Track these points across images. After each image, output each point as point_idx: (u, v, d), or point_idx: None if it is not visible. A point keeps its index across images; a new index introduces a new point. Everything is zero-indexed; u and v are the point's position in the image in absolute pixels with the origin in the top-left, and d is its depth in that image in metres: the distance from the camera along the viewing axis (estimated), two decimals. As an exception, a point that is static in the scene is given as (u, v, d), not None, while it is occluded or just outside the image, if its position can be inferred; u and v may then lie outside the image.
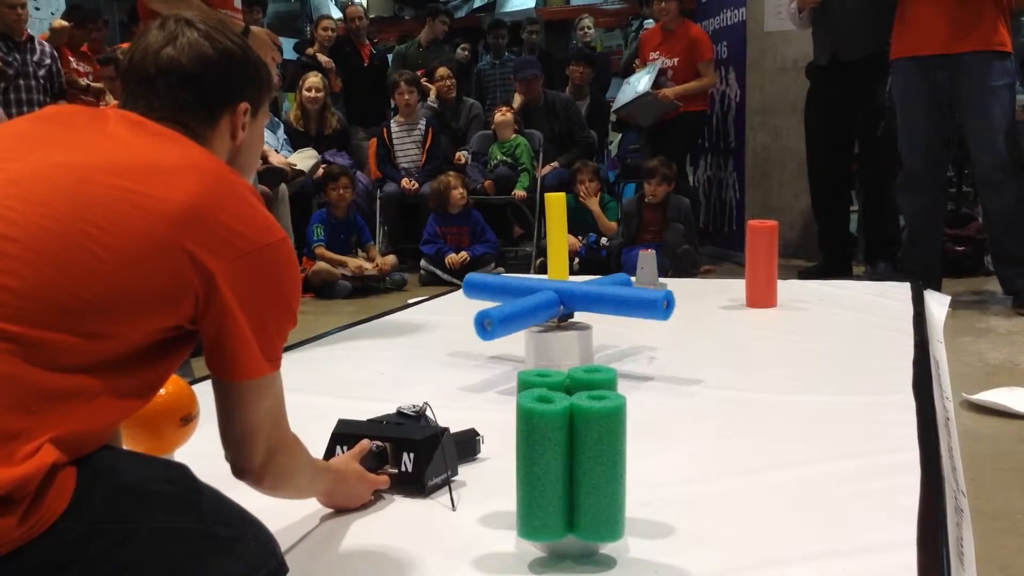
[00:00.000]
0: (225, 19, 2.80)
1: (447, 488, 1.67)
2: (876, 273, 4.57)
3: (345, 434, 1.73)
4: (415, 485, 1.66)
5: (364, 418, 1.81)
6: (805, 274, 4.76)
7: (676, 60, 5.73)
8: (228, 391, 1.20)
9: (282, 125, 5.91)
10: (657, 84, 5.62)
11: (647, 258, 3.49)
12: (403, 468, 1.66)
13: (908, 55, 4.03)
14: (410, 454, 1.67)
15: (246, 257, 1.14)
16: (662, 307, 2.41)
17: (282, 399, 1.27)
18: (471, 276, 2.92)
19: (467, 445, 1.84)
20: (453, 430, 1.80)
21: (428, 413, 1.77)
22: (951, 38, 3.90)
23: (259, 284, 1.16)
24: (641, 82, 5.68)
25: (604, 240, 5.43)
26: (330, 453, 1.74)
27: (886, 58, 4.29)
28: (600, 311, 2.53)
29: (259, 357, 1.18)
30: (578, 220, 5.31)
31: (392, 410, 1.81)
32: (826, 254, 5.00)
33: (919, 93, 4.01)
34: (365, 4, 9.74)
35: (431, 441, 1.68)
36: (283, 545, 1.22)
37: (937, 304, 3.67)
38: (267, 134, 5.23)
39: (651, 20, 6.67)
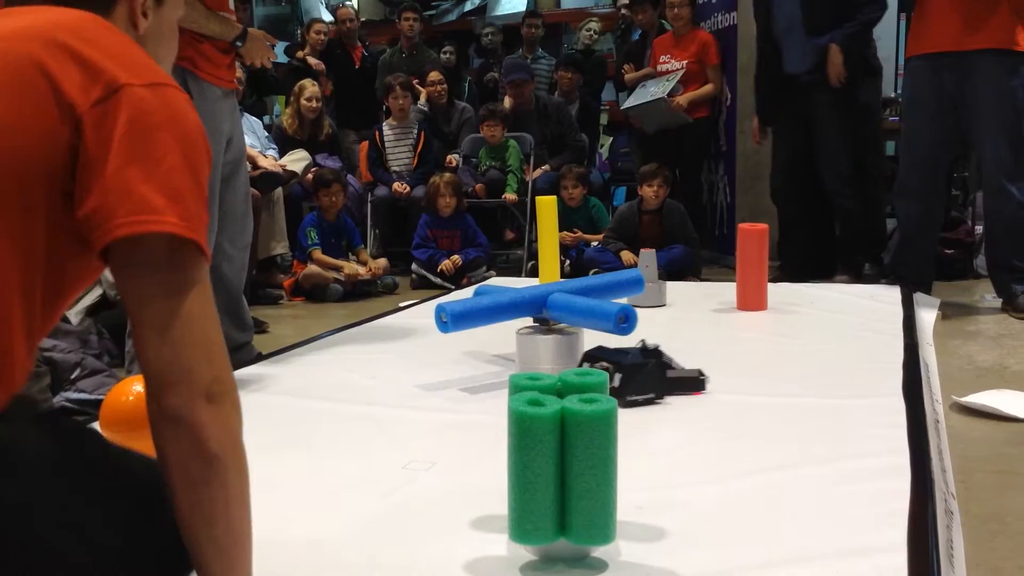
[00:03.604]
0: (224, 19, 2.79)
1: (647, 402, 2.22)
2: (861, 276, 4.54)
3: (591, 355, 2.32)
4: (619, 399, 1.85)
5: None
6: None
7: (686, 64, 5.76)
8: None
9: (260, 123, 5.86)
10: (671, 92, 5.67)
11: (648, 256, 3.50)
12: (613, 384, 2.14)
13: (919, 53, 3.95)
14: (618, 375, 2.19)
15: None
16: (618, 322, 2.37)
17: None
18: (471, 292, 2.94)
19: (690, 381, 2.29)
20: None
21: (663, 350, 2.31)
22: (962, 34, 3.81)
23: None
24: (659, 87, 5.72)
25: (595, 244, 5.42)
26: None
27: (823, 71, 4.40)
28: (567, 321, 2.53)
29: None
30: (567, 225, 5.30)
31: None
32: (783, 263, 4.85)
33: (926, 97, 3.93)
34: (356, 6, 9.71)
35: (636, 368, 2.22)
36: (278, 551, 1.22)
37: (926, 307, 3.69)
38: (250, 136, 5.17)
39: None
